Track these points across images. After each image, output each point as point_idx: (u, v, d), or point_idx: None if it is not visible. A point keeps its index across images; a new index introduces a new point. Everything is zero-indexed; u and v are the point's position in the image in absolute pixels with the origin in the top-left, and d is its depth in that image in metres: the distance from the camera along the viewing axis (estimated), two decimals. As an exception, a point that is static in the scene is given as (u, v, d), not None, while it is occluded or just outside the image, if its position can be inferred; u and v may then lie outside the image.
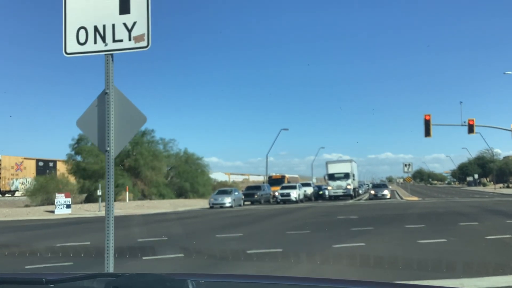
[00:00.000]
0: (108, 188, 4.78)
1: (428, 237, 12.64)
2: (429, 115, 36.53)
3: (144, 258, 10.22)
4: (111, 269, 4.50)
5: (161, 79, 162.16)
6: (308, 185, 53.21)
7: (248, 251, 10.98)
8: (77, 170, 46.99)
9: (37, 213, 32.77)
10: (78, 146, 47.93)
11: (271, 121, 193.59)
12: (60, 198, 33.11)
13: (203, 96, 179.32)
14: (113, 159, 4.75)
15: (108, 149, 4.72)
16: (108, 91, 4.74)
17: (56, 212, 32.19)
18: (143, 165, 47.60)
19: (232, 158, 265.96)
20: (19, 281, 2.22)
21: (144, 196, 48.35)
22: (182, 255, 10.63)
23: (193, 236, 15.38)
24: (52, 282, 2.03)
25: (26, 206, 40.21)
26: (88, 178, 45.90)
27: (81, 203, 43.20)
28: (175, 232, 16.88)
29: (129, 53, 4.70)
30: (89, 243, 13.42)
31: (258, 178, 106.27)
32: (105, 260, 4.70)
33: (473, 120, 37.43)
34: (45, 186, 42.66)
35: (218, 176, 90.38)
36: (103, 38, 4.78)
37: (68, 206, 33.22)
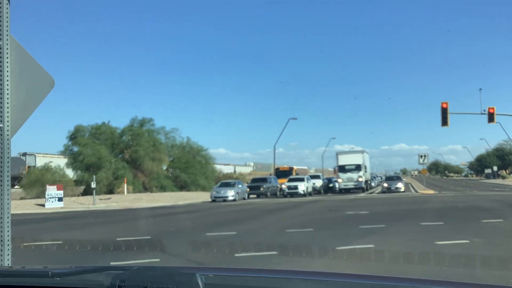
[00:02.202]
0: (1, 178, 3.43)
1: (448, 237, 11.13)
2: (446, 103, 34.93)
3: (113, 263, 8.70)
4: (6, 263, 3.86)
5: (168, 70, 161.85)
6: (317, 177, 51.80)
7: (237, 254, 9.63)
8: (75, 162, 45.98)
9: (27, 206, 31.65)
10: (75, 137, 46.89)
11: (281, 111, 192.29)
12: (51, 190, 31.53)
13: (210, 86, 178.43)
14: (8, 139, 3.42)
15: (1, 125, 3.39)
16: (1, 43, 3.40)
17: (46, 206, 30.76)
18: (143, 156, 46.37)
19: (240, 150, 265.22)
20: (25, 274, 2.23)
21: (145, 189, 47.21)
22: (158, 260, 9.18)
23: (181, 234, 14.05)
24: (59, 275, 2.01)
25: (22, 198, 39.44)
26: (85, 170, 44.90)
27: (78, 195, 42.27)
28: (163, 230, 15.63)
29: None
30: (61, 242, 12.10)
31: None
32: None
33: (493, 108, 35.71)
34: (40, 178, 41.70)
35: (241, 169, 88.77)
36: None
37: (60, 199, 31.67)
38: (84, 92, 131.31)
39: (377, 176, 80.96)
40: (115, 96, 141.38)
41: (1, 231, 3.78)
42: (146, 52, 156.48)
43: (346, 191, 46.67)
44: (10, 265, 3.85)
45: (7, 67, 3.52)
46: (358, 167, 47.06)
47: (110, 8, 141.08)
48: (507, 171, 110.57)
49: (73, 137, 47.23)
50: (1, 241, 3.79)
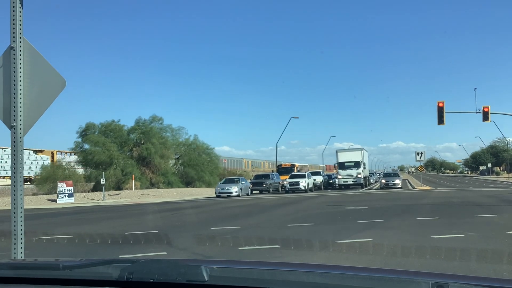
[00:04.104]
0: (14, 174, 3.56)
1: (443, 231, 11.36)
2: (442, 102, 35.16)
3: (121, 256, 9.03)
4: (19, 256, 4.01)
5: (174, 72, 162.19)
6: (317, 174, 52.05)
7: (240, 248, 9.82)
8: (85, 159, 46.38)
9: (39, 202, 32.09)
10: (85, 135, 47.15)
11: (284, 110, 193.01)
12: (62, 186, 32.31)
13: (216, 87, 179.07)
14: (21, 137, 3.49)
15: (14, 124, 3.48)
16: (14, 44, 3.50)
17: (58, 201, 31.51)
18: (153, 153, 46.70)
19: (244, 147, 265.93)
20: (36, 266, 2.28)
21: (152, 185, 47.51)
22: (165, 253, 9.44)
23: (186, 228, 14.20)
24: (69, 268, 2.04)
25: (34, 194, 39.82)
26: (95, 167, 45.27)
27: (88, 191, 42.62)
28: (169, 224, 15.78)
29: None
30: (71, 236, 12.40)
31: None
32: (12, 246, 4.03)
33: (488, 107, 35.99)
34: (52, 174, 42.21)
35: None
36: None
37: (70, 195, 32.45)
38: (91, 93, 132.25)
39: (375, 173, 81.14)
40: (123, 96, 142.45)
41: (15, 226, 3.97)
42: (153, 55, 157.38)
43: (346, 187, 47.05)
44: (23, 258, 4.03)
45: (20, 68, 3.64)
46: (357, 164, 47.42)
47: (114, 11, 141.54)
48: (501, 168, 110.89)
49: (84, 134, 47.50)
50: (15, 235, 3.98)
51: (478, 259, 8.11)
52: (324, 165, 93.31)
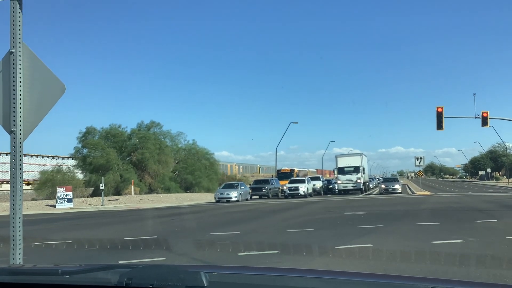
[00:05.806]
0: (14, 180, 3.54)
1: (443, 237, 11.35)
2: (441, 107, 35.13)
3: (120, 261, 9.01)
4: (17, 261, 3.98)
5: (174, 77, 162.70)
6: (317, 179, 51.97)
7: (240, 253, 9.83)
8: (84, 163, 46.33)
9: (38, 207, 31.98)
10: (85, 139, 47.10)
11: (283, 115, 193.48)
12: (61, 191, 32.24)
13: (215, 92, 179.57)
14: (21, 142, 3.49)
15: (14, 129, 3.46)
16: (14, 50, 3.48)
17: (57, 206, 31.38)
18: (149, 159, 46.62)
19: (243, 152, 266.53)
20: (35, 272, 2.28)
21: (151, 190, 47.43)
22: (164, 258, 9.41)
23: (186, 234, 14.17)
24: (68, 273, 2.04)
25: (33, 199, 39.67)
26: (94, 172, 45.20)
27: (87, 196, 42.50)
28: (168, 229, 15.74)
29: None
30: (70, 241, 12.35)
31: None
32: (10, 251, 4.01)
33: (487, 113, 35.92)
34: (51, 179, 42.08)
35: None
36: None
37: (69, 200, 32.36)
38: (92, 97, 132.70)
39: (375, 178, 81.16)
40: (123, 101, 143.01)
41: (13, 231, 3.95)
42: (154, 60, 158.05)
43: (345, 192, 46.94)
44: (21, 263, 4.00)
45: (20, 73, 3.64)
46: (356, 169, 47.34)
47: (116, 15, 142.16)
48: (500, 173, 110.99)
49: (83, 138, 47.46)
50: (13, 240, 3.97)
51: (478, 265, 8.11)
52: (315, 170, 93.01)
